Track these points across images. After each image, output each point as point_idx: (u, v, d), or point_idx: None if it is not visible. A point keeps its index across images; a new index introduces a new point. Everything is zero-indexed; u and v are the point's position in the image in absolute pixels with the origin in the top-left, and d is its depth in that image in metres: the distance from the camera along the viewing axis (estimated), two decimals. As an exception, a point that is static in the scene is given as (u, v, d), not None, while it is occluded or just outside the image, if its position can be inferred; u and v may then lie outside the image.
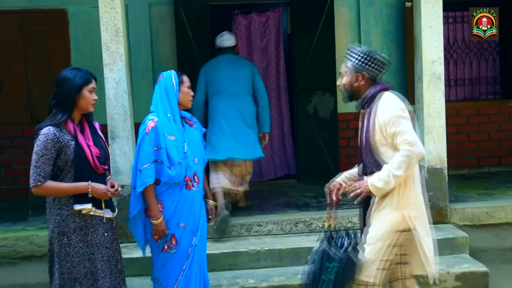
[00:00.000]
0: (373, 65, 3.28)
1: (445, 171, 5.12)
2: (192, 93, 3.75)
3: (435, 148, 5.09)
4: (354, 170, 3.53)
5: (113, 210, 3.37)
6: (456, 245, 4.84)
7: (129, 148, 4.84)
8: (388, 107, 3.17)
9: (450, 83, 7.27)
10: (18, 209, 6.18)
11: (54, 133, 3.09)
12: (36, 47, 6.77)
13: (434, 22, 5.02)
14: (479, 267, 4.56)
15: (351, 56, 3.34)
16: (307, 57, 6.76)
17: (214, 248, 4.79)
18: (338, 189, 3.45)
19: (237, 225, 5.10)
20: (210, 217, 3.90)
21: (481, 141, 7.29)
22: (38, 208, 5.84)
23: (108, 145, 3.44)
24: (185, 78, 3.72)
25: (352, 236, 3.38)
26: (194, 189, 3.65)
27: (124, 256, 4.51)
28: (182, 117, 3.75)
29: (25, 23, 6.74)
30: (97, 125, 3.43)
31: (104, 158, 3.30)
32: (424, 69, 5.07)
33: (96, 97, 3.28)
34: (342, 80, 3.39)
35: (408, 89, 6.90)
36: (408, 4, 6.58)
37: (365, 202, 3.35)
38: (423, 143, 5.04)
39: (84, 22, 6.75)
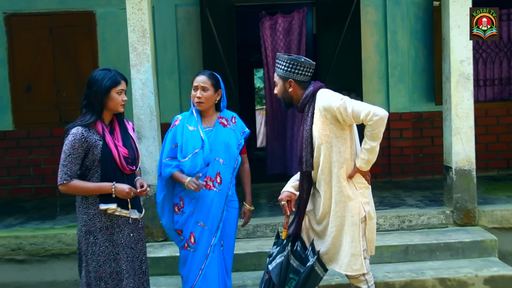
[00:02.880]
0: (297, 70, 3.41)
1: (474, 173, 5.04)
2: (197, 94, 3.62)
3: (463, 149, 5.01)
4: (296, 177, 3.62)
5: (140, 211, 3.38)
6: (484, 248, 4.76)
7: (155, 148, 4.88)
8: (327, 102, 3.32)
9: (479, 83, 7.14)
10: (47, 208, 6.29)
11: (82, 133, 3.13)
12: (64, 49, 6.89)
13: (462, 21, 4.95)
14: (509, 271, 4.47)
15: (278, 64, 3.48)
16: (333, 57, 6.73)
17: (239, 248, 4.79)
18: (293, 199, 3.57)
19: (262, 225, 5.11)
20: (242, 219, 3.91)
21: (510, 142, 7.16)
22: (66, 207, 5.96)
23: (138, 146, 3.42)
24: (196, 79, 3.65)
25: (310, 248, 3.46)
26: (214, 189, 3.65)
27: (149, 255, 4.57)
28: (220, 117, 3.76)
29: (54, 25, 6.86)
30: (130, 125, 3.45)
31: (133, 158, 3.31)
32: (452, 69, 5.00)
33: (125, 98, 3.28)
34: (276, 90, 3.54)
35: (436, 90, 6.82)
36: (436, 3, 6.52)
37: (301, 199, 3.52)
38: (451, 143, 5.00)
39: (111, 23, 6.85)
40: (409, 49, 7.04)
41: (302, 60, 3.42)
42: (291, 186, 3.60)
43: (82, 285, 3.26)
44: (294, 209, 3.57)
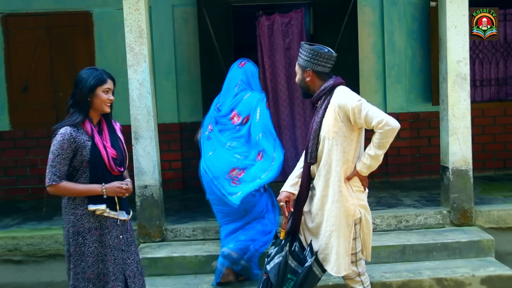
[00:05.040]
0: (316, 61, 3.40)
1: (470, 173, 5.05)
2: None
3: (460, 149, 5.02)
4: (295, 174, 3.61)
5: (128, 213, 3.33)
6: (481, 248, 4.77)
7: (152, 148, 4.88)
8: (344, 100, 3.32)
9: (476, 83, 7.16)
10: (44, 208, 6.27)
11: (71, 133, 3.09)
12: (61, 49, 6.87)
13: (459, 22, 4.96)
14: (506, 271, 4.48)
15: (300, 54, 3.48)
16: (330, 58, 6.72)
17: (236, 248, 4.79)
18: (292, 199, 3.54)
19: (259, 225, 5.10)
20: None
21: (507, 142, 7.17)
22: (61, 208, 5.93)
23: (125, 147, 3.37)
24: None
25: (308, 249, 3.45)
26: None
27: (146, 255, 4.58)
28: None
29: (51, 25, 6.85)
30: (117, 126, 3.40)
31: (121, 160, 3.26)
32: (449, 69, 5.00)
33: (111, 98, 3.22)
34: (296, 79, 3.55)
35: (433, 90, 6.83)
36: (432, 3, 6.52)
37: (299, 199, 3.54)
38: (447, 144, 5.01)
39: (108, 24, 6.84)
40: (406, 49, 7.05)
41: (325, 51, 3.42)
42: (290, 185, 3.58)
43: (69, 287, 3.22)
44: (292, 210, 3.56)
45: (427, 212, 5.19)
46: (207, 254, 4.70)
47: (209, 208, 5.84)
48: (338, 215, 3.35)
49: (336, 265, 3.36)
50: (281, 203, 3.53)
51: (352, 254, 3.41)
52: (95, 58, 6.90)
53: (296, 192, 3.54)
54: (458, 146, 5.02)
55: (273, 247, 3.56)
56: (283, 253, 3.44)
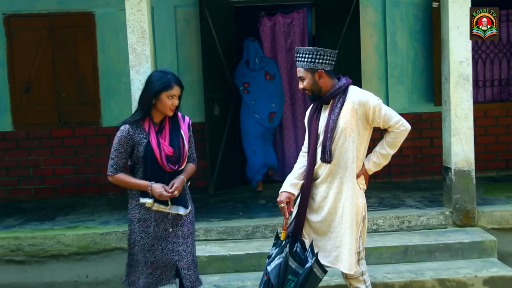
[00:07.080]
0: (324, 60, 3.39)
1: (473, 173, 5.04)
2: None
3: (463, 150, 5.02)
4: (294, 175, 3.57)
5: (186, 207, 3.42)
6: (484, 249, 4.76)
7: (155, 149, 4.88)
8: (365, 98, 3.36)
9: (478, 84, 7.15)
10: (46, 209, 6.28)
11: (128, 131, 3.29)
12: (64, 50, 6.88)
13: (461, 22, 4.95)
14: (508, 272, 4.47)
15: (302, 58, 3.42)
16: (332, 58, 6.71)
17: (238, 249, 4.80)
18: (292, 200, 3.52)
19: (261, 226, 5.10)
20: None
21: (509, 143, 7.16)
22: (64, 208, 5.95)
23: (186, 145, 3.42)
24: None
25: (309, 249, 3.43)
26: None
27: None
28: None
29: (53, 26, 6.85)
30: (186, 122, 3.48)
31: (177, 158, 3.36)
32: (451, 69, 5.00)
33: (176, 103, 3.33)
34: (304, 84, 3.45)
35: (435, 90, 6.82)
36: (435, 4, 6.52)
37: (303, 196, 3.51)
38: (450, 144, 5.01)
39: (111, 24, 6.84)
40: (408, 50, 7.04)
41: (326, 49, 3.42)
42: (289, 185, 3.53)
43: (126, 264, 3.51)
44: (293, 210, 3.54)
45: (430, 213, 5.18)
46: (209, 254, 4.70)
47: (211, 209, 5.90)
48: (351, 213, 3.36)
49: (349, 263, 3.36)
50: (282, 204, 3.49)
51: (356, 252, 3.42)
52: (97, 58, 6.90)
53: (295, 193, 3.51)
54: (460, 147, 5.02)
55: (274, 247, 3.54)
56: (283, 254, 3.43)
